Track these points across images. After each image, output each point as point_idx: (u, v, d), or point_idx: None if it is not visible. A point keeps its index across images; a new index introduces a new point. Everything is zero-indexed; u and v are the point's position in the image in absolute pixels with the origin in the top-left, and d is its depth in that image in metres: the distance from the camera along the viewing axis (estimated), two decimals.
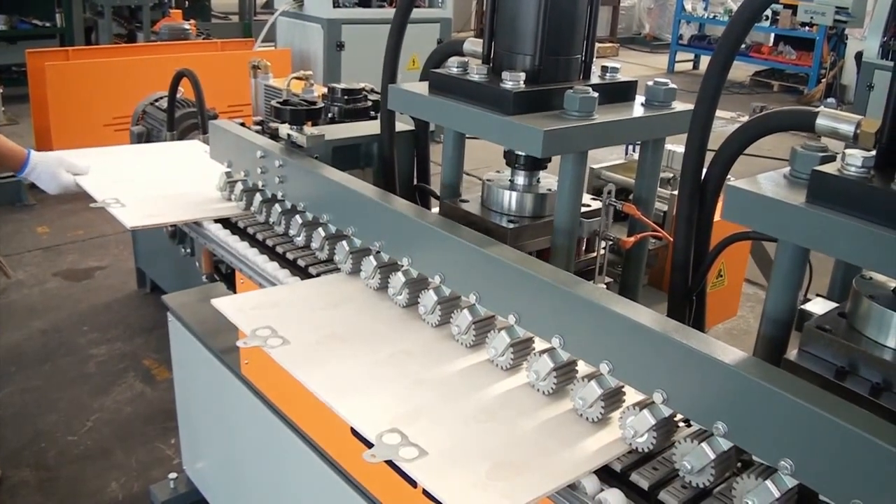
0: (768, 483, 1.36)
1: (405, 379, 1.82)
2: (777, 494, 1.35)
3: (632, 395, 1.67)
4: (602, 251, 2.26)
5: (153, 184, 3.04)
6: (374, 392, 1.76)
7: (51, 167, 2.97)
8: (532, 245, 2.24)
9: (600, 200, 2.25)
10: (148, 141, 4.89)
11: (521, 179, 2.34)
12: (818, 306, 1.78)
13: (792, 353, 1.63)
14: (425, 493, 1.90)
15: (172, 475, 3.36)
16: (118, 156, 3.55)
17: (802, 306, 1.77)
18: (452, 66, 2.23)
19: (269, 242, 2.54)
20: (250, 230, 2.64)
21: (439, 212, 2.45)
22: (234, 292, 2.69)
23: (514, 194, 2.31)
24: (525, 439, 1.63)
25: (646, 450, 1.57)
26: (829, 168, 1.52)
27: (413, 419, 1.66)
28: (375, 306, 2.14)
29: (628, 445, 1.59)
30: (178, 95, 4.61)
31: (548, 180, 2.36)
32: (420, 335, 2.00)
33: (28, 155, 2.96)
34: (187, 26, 8.79)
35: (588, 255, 2.35)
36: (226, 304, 2.09)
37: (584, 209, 2.26)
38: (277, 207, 2.53)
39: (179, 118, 4.62)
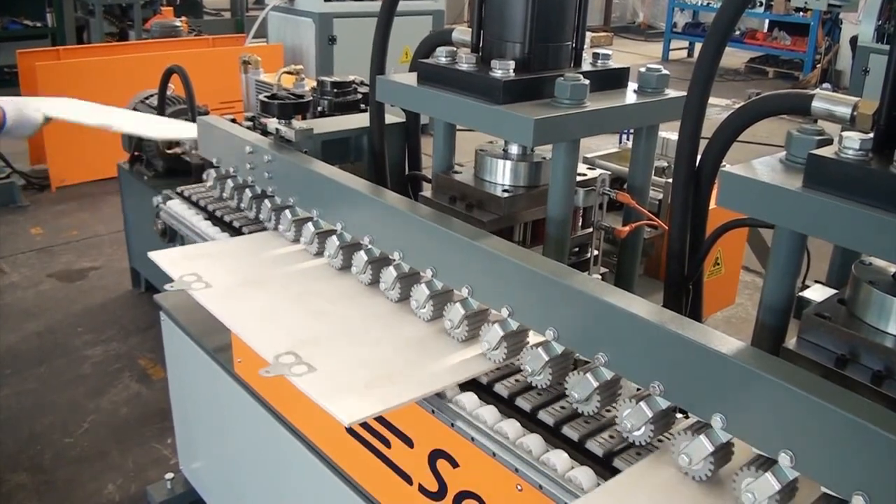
0: (768, 475, 1.33)
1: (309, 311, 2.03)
2: (777, 487, 1.32)
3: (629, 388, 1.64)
4: (597, 241, 2.22)
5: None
6: (279, 323, 1.98)
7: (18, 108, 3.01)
8: (527, 215, 2.22)
9: (597, 168, 2.22)
10: (140, 139, 4.85)
11: (514, 149, 2.30)
12: (817, 293, 1.75)
13: (791, 342, 1.61)
14: (420, 489, 1.88)
15: (169, 475, 3.34)
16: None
17: (801, 293, 1.74)
18: (441, 55, 2.19)
19: None
20: (236, 224, 2.62)
21: (432, 185, 2.43)
22: None
23: (508, 163, 2.28)
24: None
25: (643, 443, 1.55)
26: (826, 152, 1.49)
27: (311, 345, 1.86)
28: (296, 257, 2.34)
29: (626, 439, 1.57)
30: (169, 92, 4.57)
31: (541, 148, 2.32)
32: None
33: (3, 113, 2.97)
34: (178, 23, 8.77)
35: (584, 230, 2.31)
36: (160, 256, 2.35)
37: (579, 178, 2.22)
38: (267, 203, 2.50)
39: (170, 115, 4.58)
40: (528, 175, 2.28)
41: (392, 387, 1.71)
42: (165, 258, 2.33)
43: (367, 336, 1.94)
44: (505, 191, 2.23)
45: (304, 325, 1.97)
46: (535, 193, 2.25)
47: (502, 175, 2.28)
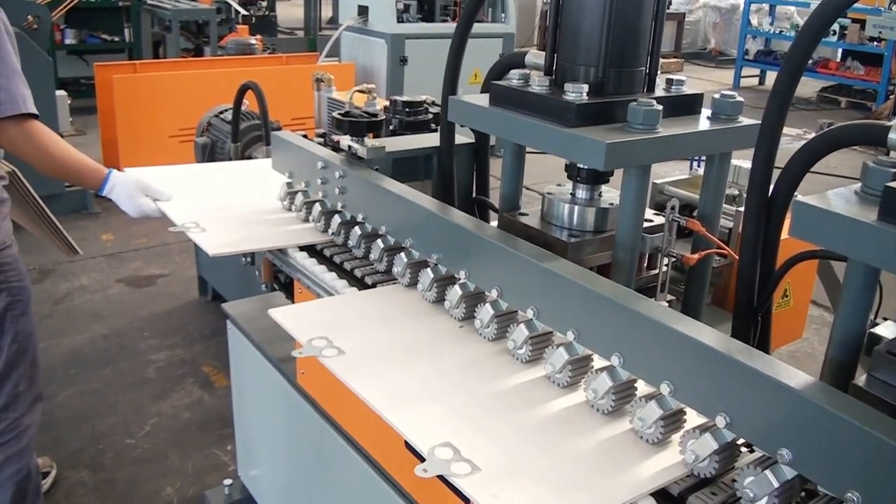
0: None
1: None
2: None
3: (693, 418, 1.63)
4: (664, 268, 2.21)
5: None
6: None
7: (129, 189, 2.84)
8: (593, 260, 2.20)
9: (663, 216, 2.20)
10: (212, 152, 4.96)
11: (582, 193, 2.30)
12: (888, 330, 1.71)
13: (861, 379, 1.57)
14: None
15: (227, 482, 3.38)
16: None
17: (871, 330, 1.70)
18: (514, 77, 2.21)
19: (328, 252, 2.54)
20: None
21: (498, 225, 2.43)
22: (293, 301, 2.70)
23: (576, 208, 2.27)
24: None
25: (707, 475, 1.53)
26: None
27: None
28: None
29: (689, 470, 1.55)
30: (243, 108, 4.67)
31: (609, 194, 2.31)
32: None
33: (108, 174, 2.84)
34: (253, 41, 8.92)
35: (650, 271, 2.29)
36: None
37: (646, 224, 2.21)
38: (337, 218, 2.53)
39: (244, 130, 4.68)
40: (595, 220, 2.27)
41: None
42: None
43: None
44: (571, 235, 2.22)
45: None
46: (601, 239, 2.24)
47: (569, 219, 2.27)
